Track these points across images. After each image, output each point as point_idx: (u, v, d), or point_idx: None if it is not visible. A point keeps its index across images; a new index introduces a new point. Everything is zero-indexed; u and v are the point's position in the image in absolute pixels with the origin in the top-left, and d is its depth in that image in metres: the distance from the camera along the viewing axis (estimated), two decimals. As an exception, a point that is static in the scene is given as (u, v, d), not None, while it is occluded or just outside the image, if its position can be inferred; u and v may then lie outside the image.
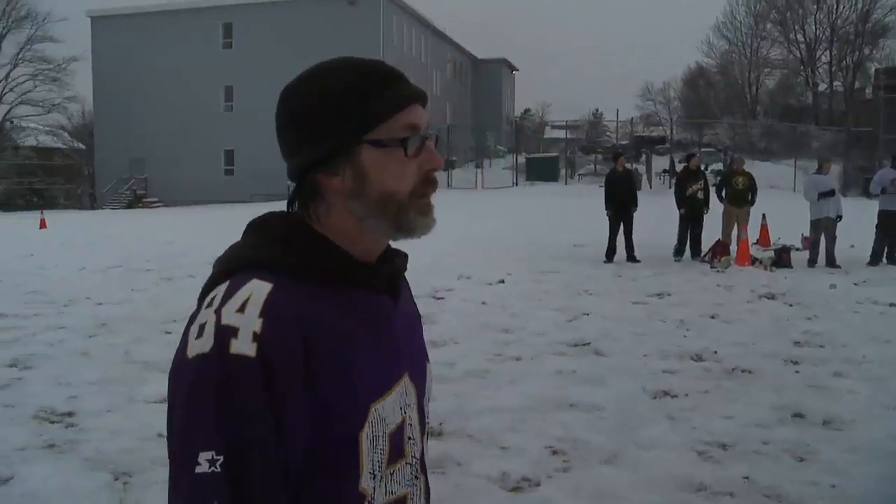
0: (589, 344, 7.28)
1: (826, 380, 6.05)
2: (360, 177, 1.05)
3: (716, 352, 6.89)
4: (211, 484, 0.92)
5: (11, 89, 52.71)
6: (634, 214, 13.39)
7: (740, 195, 13.53)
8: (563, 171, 40.73)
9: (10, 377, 6.39)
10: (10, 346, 7.49)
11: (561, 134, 51.41)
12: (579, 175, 41.30)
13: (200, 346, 0.96)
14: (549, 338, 7.51)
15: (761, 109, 57.00)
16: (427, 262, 13.16)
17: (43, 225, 26.57)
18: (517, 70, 69.36)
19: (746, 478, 4.13)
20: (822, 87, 55.35)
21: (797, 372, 6.29)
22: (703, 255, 13.35)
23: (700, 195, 13.53)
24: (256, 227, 1.09)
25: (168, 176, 42.71)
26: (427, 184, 1.09)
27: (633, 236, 13.41)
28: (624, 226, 13.36)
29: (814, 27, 53.88)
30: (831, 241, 12.49)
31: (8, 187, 49.83)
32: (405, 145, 1.05)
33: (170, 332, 7.65)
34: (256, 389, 0.94)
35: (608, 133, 59.19)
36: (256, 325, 0.95)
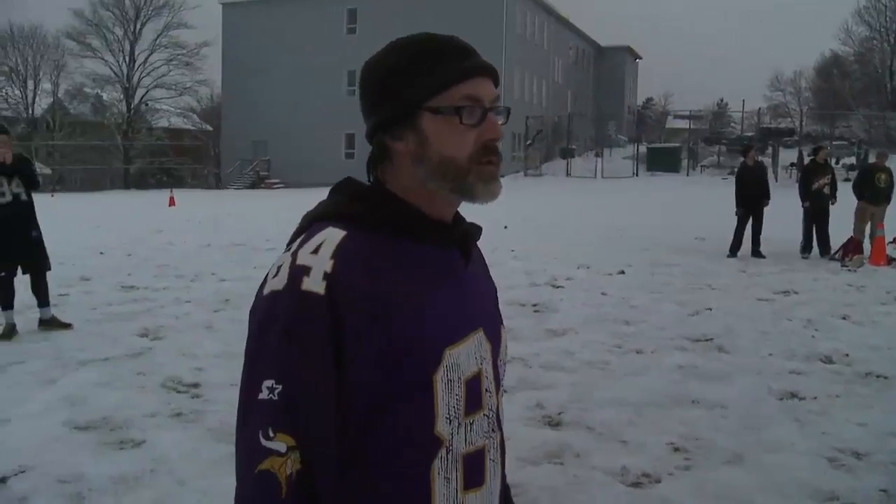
0: (712, 340, 7.03)
1: (975, 390, 5.61)
2: (421, 141, 1.12)
3: (847, 354, 6.51)
4: (268, 409, 1.01)
5: (148, 73, 55.69)
6: (766, 210, 12.84)
7: (882, 193, 12.68)
8: (685, 162, 39.72)
9: (142, 346, 6.71)
10: (141, 317, 7.90)
11: (684, 124, 50.18)
12: (702, 166, 40.18)
13: (275, 283, 1.05)
14: (670, 332, 7.30)
15: (901, 100, 53.77)
16: (547, 250, 13.11)
17: (172, 203, 27.87)
18: (640, 58, 68.02)
19: (884, 490, 3.86)
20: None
21: (940, 381, 5.88)
22: (833, 253, 12.68)
23: (826, 190, 12.80)
24: (337, 189, 1.18)
25: (290, 158, 43.99)
26: (487, 152, 1.13)
27: (761, 232, 12.90)
28: (753, 221, 12.86)
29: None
30: (979, 241, 11.68)
31: (142, 166, 52.51)
32: (460, 114, 1.10)
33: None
34: (322, 325, 1.00)
35: (733, 124, 57.37)
36: (328, 265, 1.03)
